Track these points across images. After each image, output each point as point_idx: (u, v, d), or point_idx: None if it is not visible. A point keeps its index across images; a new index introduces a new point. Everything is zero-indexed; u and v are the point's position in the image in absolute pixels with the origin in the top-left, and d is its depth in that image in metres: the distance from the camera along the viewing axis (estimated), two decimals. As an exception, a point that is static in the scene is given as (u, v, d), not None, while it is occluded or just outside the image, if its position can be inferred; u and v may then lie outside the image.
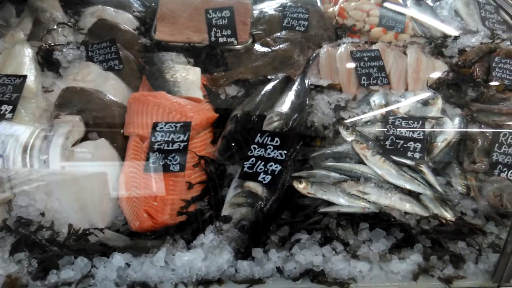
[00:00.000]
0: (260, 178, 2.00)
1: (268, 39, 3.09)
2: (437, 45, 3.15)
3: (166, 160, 2.09)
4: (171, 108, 2.28)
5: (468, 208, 2.06)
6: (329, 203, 2.04)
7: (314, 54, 3.01)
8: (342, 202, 2.02)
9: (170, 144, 2.14)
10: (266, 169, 2.03)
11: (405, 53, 3.02)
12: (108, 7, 3.29)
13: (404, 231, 1.89)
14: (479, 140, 2.35)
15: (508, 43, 3.16)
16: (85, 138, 2.26)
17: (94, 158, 2.15)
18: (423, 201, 2.06)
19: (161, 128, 2.20)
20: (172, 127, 2.20)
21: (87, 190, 2.02)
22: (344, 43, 3.07)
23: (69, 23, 3.16)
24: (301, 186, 2.06)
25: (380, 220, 1.95)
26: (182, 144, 2.14)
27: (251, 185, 1.99)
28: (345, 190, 2.05)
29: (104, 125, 2.35)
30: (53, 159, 2.10)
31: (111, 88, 2.60)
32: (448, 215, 2.01)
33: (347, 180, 2.09)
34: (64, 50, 2.84)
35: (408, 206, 2.02)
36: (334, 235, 1.86)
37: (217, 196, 2.04)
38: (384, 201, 2.02)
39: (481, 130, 2.36)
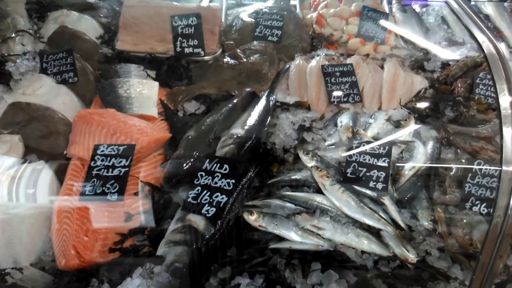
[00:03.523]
0: (203, 211, 1.82)
1: (238, 50, 2.89)
2: (418, 59, 2.93)
3: (103, 188, 1.91)
4: (115, 129, 2.11)
5: (434, 247, 1.87)
6: (281, 238, 1.86)
7: (284, 68, 2.80)
8: (295, 237, 1.84)
9: (110, 170, 1.97)
10: (211, 200, 1.85)
11: (382, 67, 2.82)
12: (73, 12, 3.11)
13: (358, 274, 1.72)
14: (453, 167, 2.15)
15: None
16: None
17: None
18: (383, 238, 1.87)
19: (102, 151, 2.02)
20: (114, 151, 2.02)
21: (16, 221, 1.86)
22: (318, 56, 2.86)
23: (30, 30, 2.99)
24: (251, 218, 1.88)
25: (333, 260, 1.78)
26: (123, 170, 1.96)
27: (193, 218, 1.81)
28: (298, 224, 1.87)
29: (47, 145, 2.19)
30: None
31: (62, 103, 2.43)
32: (411, 255, 1.81)
33: (301, 213, 1.90)
34: (18, 61, 2.69)
35: (365, 244, 1.83)
36: (279, 279, 1.68)
37: (157, 230, 1.87)
38: (340, 238, 1.84)
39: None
